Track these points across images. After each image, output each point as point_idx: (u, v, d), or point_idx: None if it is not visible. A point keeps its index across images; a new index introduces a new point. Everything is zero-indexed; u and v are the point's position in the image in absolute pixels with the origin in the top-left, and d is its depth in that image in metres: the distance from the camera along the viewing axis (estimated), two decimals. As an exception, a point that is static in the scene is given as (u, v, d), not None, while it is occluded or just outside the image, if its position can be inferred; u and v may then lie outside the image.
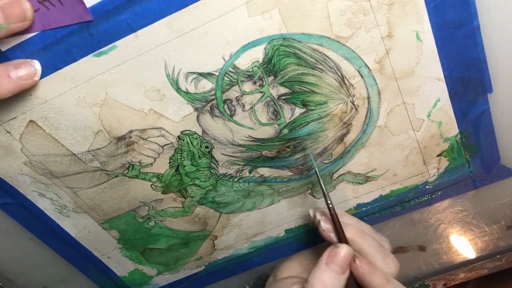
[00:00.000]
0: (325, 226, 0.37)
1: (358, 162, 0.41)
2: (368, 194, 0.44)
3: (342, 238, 0.36)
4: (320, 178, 0.38)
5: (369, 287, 0.33)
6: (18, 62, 0.31)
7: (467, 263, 0.50)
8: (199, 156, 0.39)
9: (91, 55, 0.32)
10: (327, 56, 0.34)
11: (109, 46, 0.32)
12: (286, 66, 0.34)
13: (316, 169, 0.38)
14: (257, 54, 0.34)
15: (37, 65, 0.32)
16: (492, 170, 0.43)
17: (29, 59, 0.32)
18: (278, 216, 0.45)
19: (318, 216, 0.38)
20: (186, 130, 0.37)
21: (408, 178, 0.43)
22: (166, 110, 0.36)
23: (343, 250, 0.33)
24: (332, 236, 0.36)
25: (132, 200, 0.42)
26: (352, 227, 0.37)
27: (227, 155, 0.39)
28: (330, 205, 0.37)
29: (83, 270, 0.48)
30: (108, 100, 0.35)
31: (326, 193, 0.37)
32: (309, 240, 0.47)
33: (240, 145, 0.39)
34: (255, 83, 0.35)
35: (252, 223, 0.45)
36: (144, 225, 0.44)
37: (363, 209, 0.45)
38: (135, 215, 0.43)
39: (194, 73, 0.34)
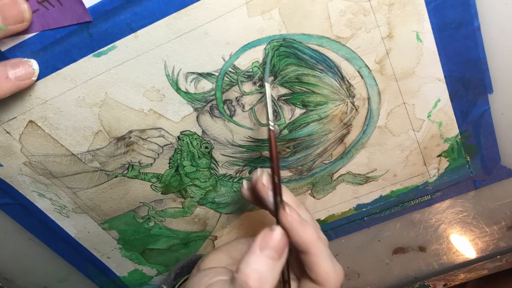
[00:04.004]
0: (267, 181, 0.31)
1: (358, 163, 0.41)
2: (368, 194, 0.44)
3: (277, 198, 0.31)
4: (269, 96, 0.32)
5: (297, 241, 0.29)
6: (15, 62, 0.31)
7: (467, 264, 0.50)
8: (198, 157, 0.39)
9: (90, 55, 0.32)
10: (327, 57, 0.34)
11: (109, 46, 0.32)
12: (286, 67, 0.34)
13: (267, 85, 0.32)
14: (257, 54, 0.33)
15: (34, 65, 0.32)
16: (493, 171, 0.43)
17: (26, 59, 0.32)
18: (278, 217, 0.45)
19: (260, 173, 0.32)
20: (186, 131, 0.37)
21: (408, 178, 0.43)
22: (166, 110, 0.36)
23: (279, 233, 0.29)
24: (270, 194, 0.31)
25: (131, 200, 0.42)
26: (287, 191, 0.33)
27: (227, 155, 0.39)
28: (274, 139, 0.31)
29: (83, 271, 0.48)
30: (107, 100, 0.35)
31: (272, 123, 0.31)
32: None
33: (240, 146, 0.39)
34: (255, 83, 0.35)
35: (252, 223, 0.45)
36: (144, 226, 0.44)
37: (363, 209, 0.45)
38: (135, 215, 0.43)
39: (194, 73, 0.34)
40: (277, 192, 0.31)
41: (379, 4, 0.32)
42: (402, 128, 0.39)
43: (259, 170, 0.33)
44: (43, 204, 0.42)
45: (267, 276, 0.27)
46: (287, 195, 0.32)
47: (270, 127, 0.31)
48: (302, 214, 0.31)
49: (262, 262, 0.28)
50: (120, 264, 0.48)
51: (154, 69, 0.33)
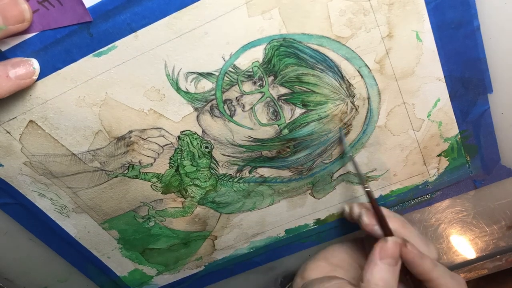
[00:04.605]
0: (368, 220, 0.37)
1: (358, 162, 0.41)
2: (368, 194, 0.44)
3: (386, 230, 0.36)
4: (357, 166, 0.39)
5: (418, 271, 0.34)
6: (16, 61, 0.31)
7: (467, 263, 0.50)
8: (199, 156, 0.39)
9: (91, 55, 0.32)
10: (327, 56, 0.34)
11: (109, 46, 0.32)
12: (286, 66, 0.34)
13: (352, 156, 0.38)
14: (257, 54, 0.33)
15: (35, 64, 0.32)
16: (492, 170, 0.43)
17: (27, 58, 0.32)
18: (278, 216, 0.45)
19: (358, 210, 0.38)
20: (186, 130, 0.37)
21: (408, 178, 0.43)
22: (166, 110, 0.36)
23: (393, 242, 0.34)
24: (376, 229, 0.37)
25: (132, 200, 0.42)
26: (393, 218, 0.37)
27: (227, 155, 0.39)
28: (372, 197, 0.37)
29: (83, 270, 0.48)
30: (108, 100, 0.35)
31: (366, 184, 0.37)
32: (309, 240, 0.47)
33: (240, 145, 0.39)
34: (255, 83, 0.35)
35: (252, 223, 0.45)
36: (144, 225, 0.44)
37: (363, 209, 0.45)
38: (135, 215, 0.43)
39: (194, 73, 0.34)
40: (386, 232, 0.36)
41: (379, 3, 0.32)
42: (402, 128, 0.39)
43: (356, 209, 0.39)
44: (43, 204, 0.42)
45: (390, 281, 0.32)
46: (392, 221, 0.37)
47: (367, 189, 0.38)
48: (412, 236, 0.37)
49: (384, 269, 0.33)
50: (120, 264, 0.48)
51: (154, 69, 0.34)
